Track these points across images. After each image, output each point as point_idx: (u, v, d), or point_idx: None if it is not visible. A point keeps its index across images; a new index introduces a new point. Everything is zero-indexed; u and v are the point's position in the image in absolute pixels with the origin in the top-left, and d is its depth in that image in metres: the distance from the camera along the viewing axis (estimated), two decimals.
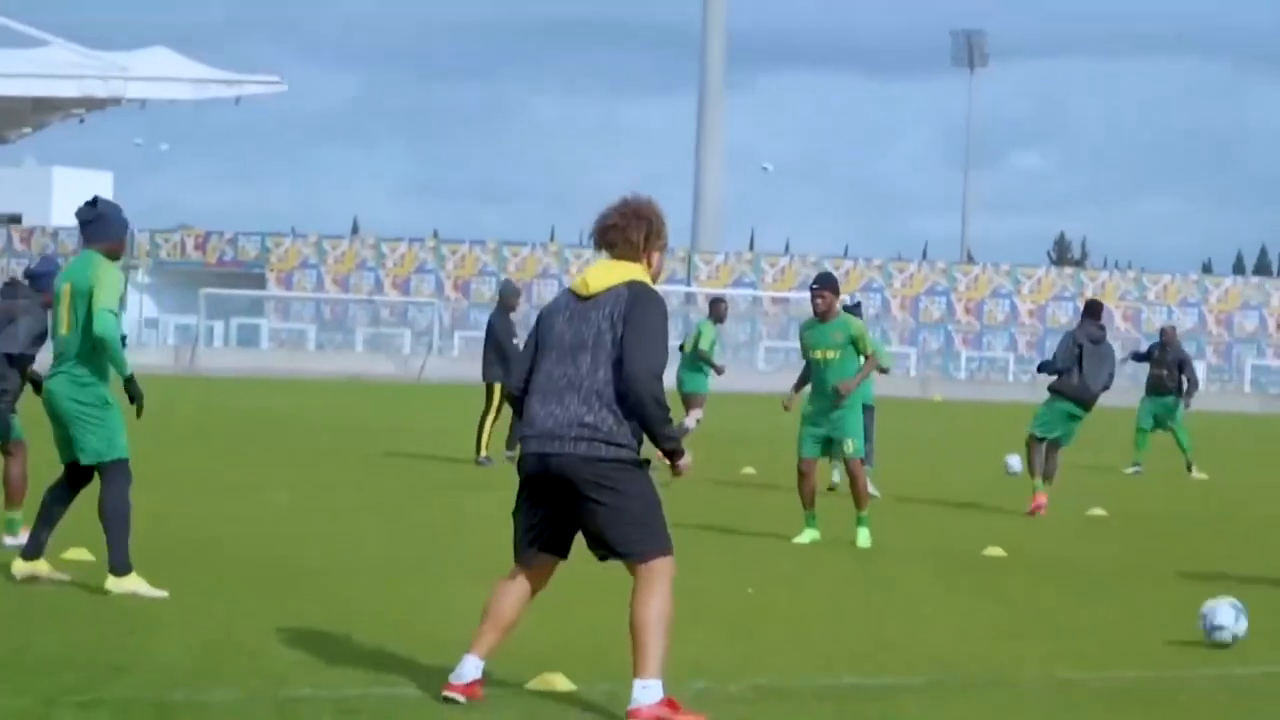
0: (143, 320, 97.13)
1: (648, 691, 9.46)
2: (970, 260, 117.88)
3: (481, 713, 9.49)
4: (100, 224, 13.55)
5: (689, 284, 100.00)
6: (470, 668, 9.73)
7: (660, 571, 9.49)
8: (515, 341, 27.57)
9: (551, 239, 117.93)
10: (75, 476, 13.31)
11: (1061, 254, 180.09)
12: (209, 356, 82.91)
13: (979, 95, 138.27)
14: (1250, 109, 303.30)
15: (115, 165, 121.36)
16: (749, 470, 28.00)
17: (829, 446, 18.50)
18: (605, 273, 9.75)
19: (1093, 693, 11.07)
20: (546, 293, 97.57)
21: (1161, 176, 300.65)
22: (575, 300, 9.79)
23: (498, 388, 27.13)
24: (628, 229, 9.85)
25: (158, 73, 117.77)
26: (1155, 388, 32.06)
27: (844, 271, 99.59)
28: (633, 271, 9.75)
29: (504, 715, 9.46)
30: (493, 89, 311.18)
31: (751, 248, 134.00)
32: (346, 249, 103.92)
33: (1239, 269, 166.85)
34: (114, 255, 13.62)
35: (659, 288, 9.83)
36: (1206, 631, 12.69)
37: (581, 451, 9.48)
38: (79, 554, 14.45)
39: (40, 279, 15.15)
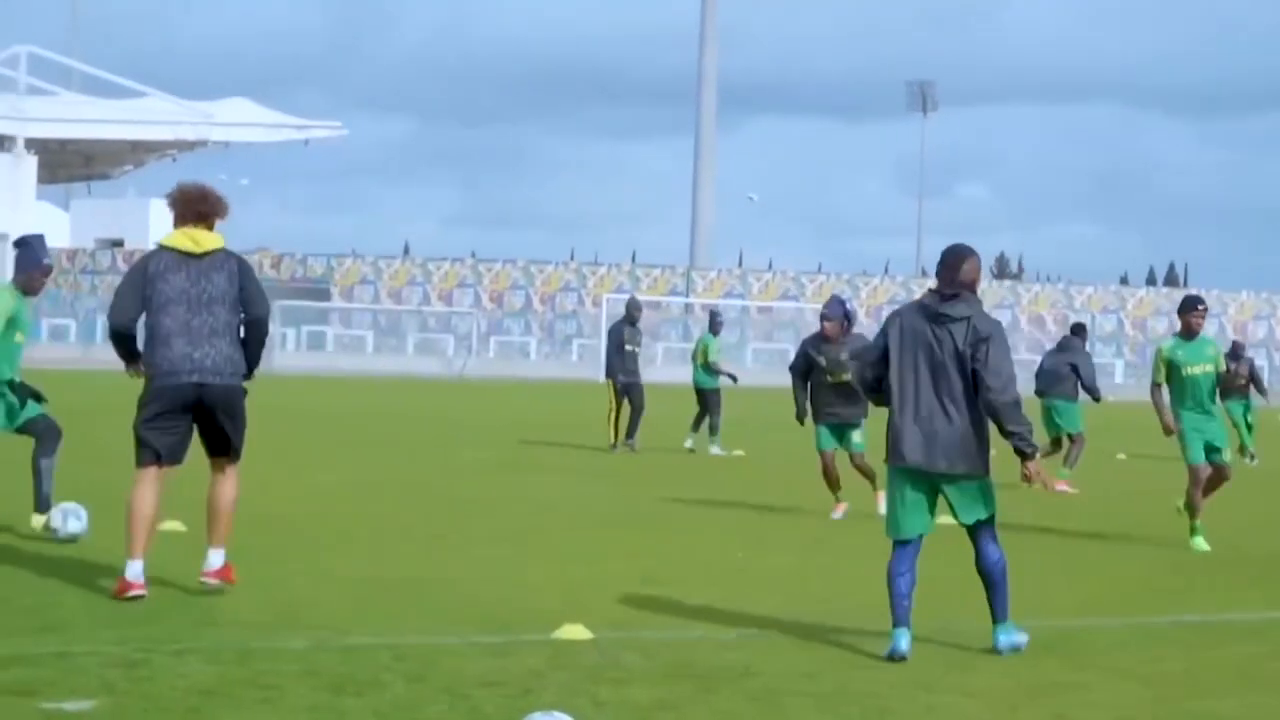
0: None
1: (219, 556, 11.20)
2: (924, 275, 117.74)
3: (511, 659, 9.45)
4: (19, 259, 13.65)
5: (688, 296, 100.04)
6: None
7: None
8: (630, 347, 28.58)
9: (571, 258, 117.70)
10: None
11: (1002, 269, 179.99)
12: (283, 358, 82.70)
13: (930, 136, 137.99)
14: (1159, 147, 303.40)
15: None
16: (739, 452, 28.06)
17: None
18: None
19: (1030, 639, 11.04)
20: (567, 303, 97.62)
21: (1085, 203, 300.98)
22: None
23: (617, 385, 28.01)
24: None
25: (239, 119, 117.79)
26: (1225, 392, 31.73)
27: (817, 285, 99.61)
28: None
29: (532, 661, 9.41)
30: (521, 132, 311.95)
31: (740, 265, 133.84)
32: (399, 267, 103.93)
33: (1151, 281, 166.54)
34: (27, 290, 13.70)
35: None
36: None
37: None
38: (173, 525, 14.41)
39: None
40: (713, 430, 28.52)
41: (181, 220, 11.19)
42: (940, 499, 10.24)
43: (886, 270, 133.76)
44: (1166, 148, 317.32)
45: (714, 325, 29.86)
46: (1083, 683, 9.59)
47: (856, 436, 18.07)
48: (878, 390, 10.19)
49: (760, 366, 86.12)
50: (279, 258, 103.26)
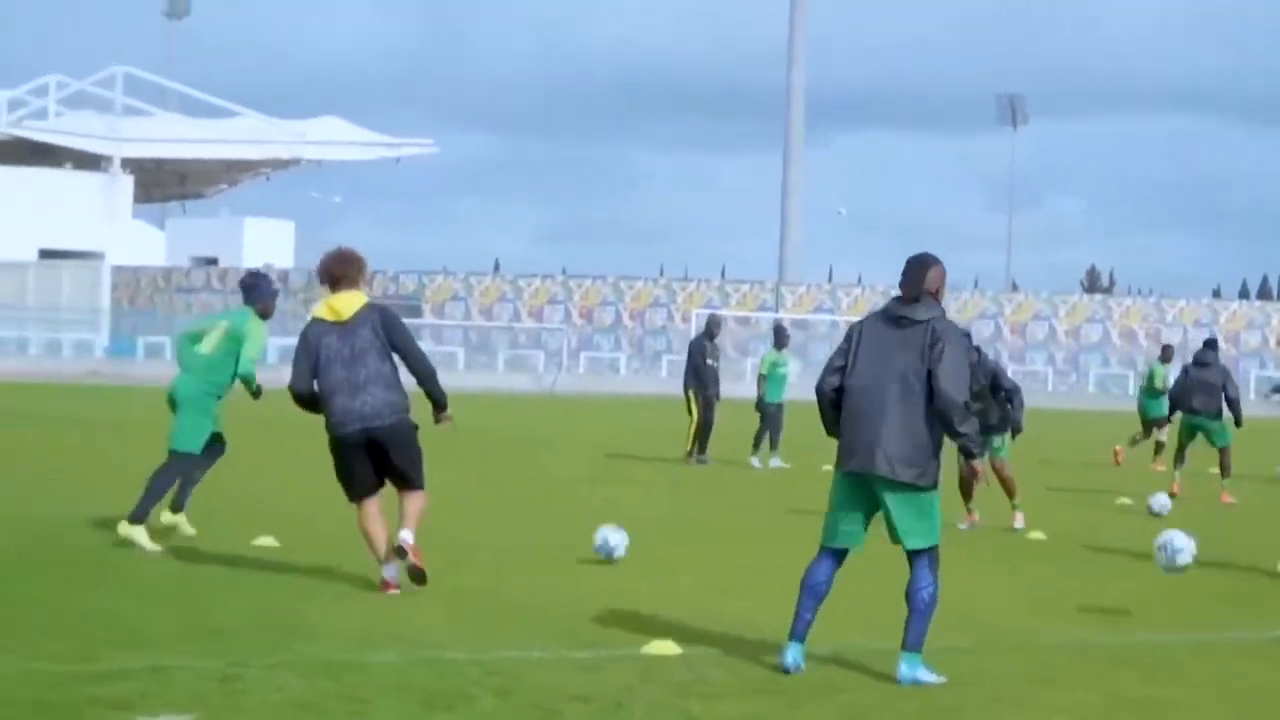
0: None
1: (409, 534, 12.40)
2: (1014, 289, 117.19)
3: (601, 674, 9.50)
4: (254, 292, 15.00)
5: (777, 311, 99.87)
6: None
7: None
8: (710, 362, 28.87)
9: (661, 274, 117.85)
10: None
11: (1092, 283, 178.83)
12: None
13: (1020, 148, 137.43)
14: (1251, 158, 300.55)
15: (296, 215, 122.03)
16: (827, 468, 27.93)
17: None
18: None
19: (1108, 653, 10.98)
20: (656, 318, 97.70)
21: (1177, 215, 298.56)
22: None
23: (695, 399, 28.37)
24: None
25: (331, 138, 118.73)
26: None
27: None
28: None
29: (621, 676, 9.46)
30: (609, 147, 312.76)
31: (830, 279, 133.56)
32: (489, 284, 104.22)
33: (1244, 294, 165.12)
34: (265, 315, 14.99)
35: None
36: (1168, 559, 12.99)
37: None
38: (266, 540, 14.56)
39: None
40: (773, 445, 28.46)
41: (324, 285, 12.69)
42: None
43: (976, 284, 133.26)
44: (1259, 159, 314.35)
45: (779, 339, 29.81)
46: (1168, 699, 9.56)
47: (997, 441, 18.53)
48: (837, 407, 10.02)
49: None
50: (371, 275, 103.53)
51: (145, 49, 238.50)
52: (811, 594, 9.98)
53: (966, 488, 17.81)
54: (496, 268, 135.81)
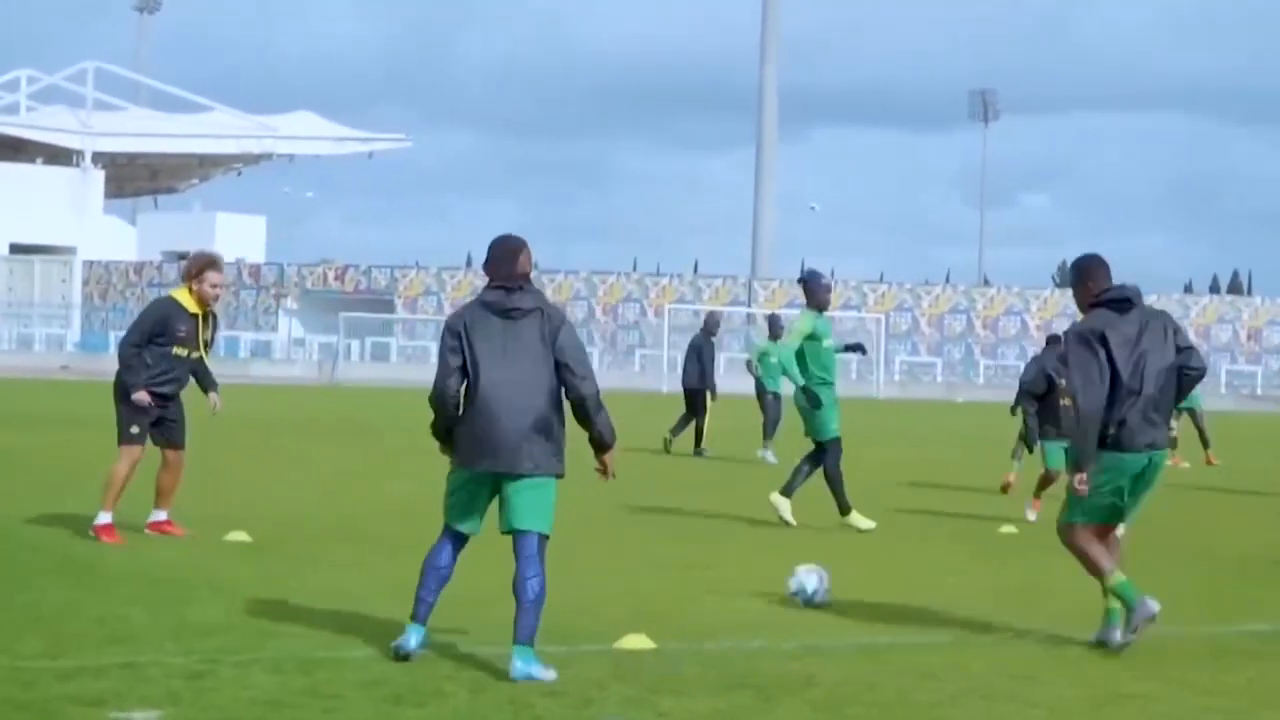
0: (291, 340, 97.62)
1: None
2: (987, 284, 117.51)
3: (574, 669, 9.45)
4: None
5: (749, 306, 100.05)
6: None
7: None
8: (707, 359, 30.09)
9: (634, 269, 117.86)
10: None
11: (1064, 278, 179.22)
12: (348, 369, 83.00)
13: (993, 145, 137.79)
14: (1225, 154, 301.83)
15: (268, 210, 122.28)
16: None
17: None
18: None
19: (1089, 648, 10.97)
20: (629, 313, 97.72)
21: (1150, 212, 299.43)
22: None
23: (701, 394, 29.48)
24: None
25: (303, 132, 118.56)
26: None
27: (879, 294, 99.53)
28: None
29: (594, 671, 9.42)
30: (584, 145, 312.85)
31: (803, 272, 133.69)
32: (462, 279, 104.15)
33: (1215, 289, 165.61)
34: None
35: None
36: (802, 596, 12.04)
37: None
38: (239, 536, 14.50)
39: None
40: (766, 436, 28.63)
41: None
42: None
43: (948, 279, 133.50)
44: (1231, 155, 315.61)
45: (774, 331, 30.12)
46: (1148, 694, 9.53)
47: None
48: (458, 407, 9.66)
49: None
50: (343, 269, 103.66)
51: (117, 43, 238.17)
52: (435, 577, 9.76)
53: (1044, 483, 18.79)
54: (469, 263, 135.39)
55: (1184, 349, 11.53)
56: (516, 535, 9.61)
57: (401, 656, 9.54)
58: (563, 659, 9.68)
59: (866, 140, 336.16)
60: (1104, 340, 11.05)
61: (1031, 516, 18.77)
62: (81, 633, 10.06)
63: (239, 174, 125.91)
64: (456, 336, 9.65)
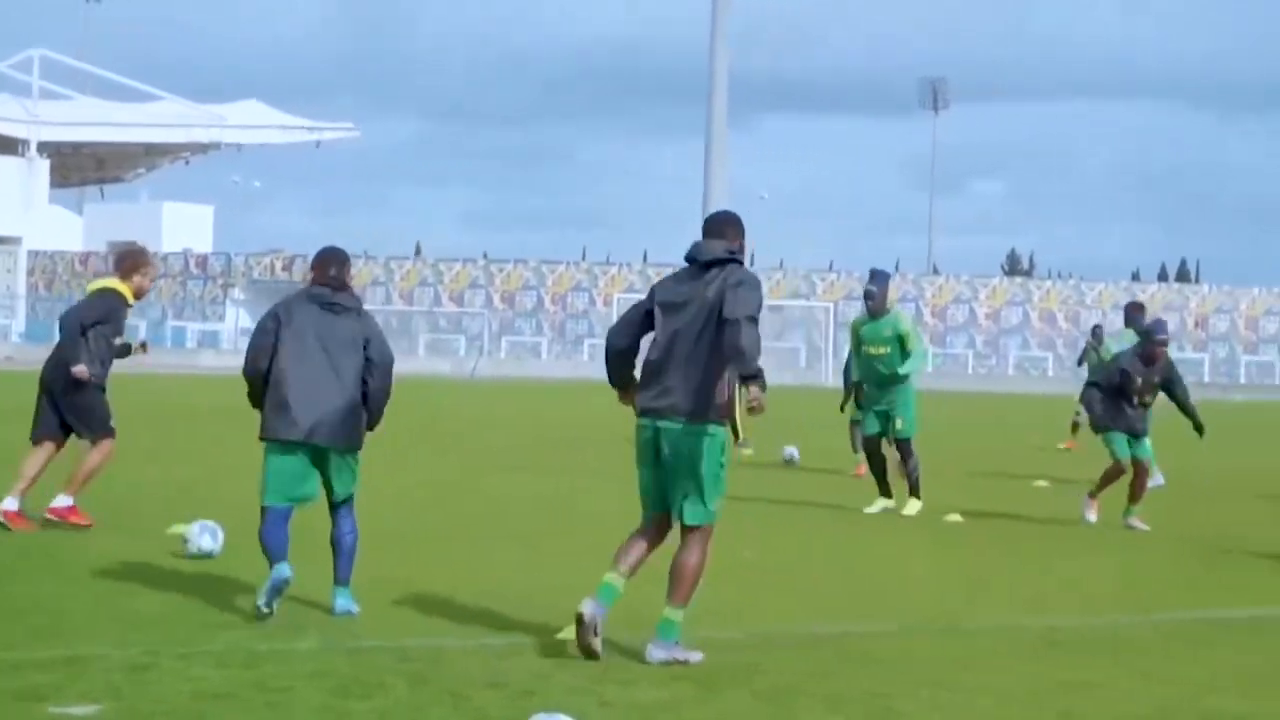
0: (239, 330, 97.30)
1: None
2: (936, 272, 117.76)
3: (517, 660, 9.44)
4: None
5: None
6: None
7: None
8: None
9: (583, 258, 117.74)
10: None
11: (1013, 266, 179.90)
12: None
13: (944, 133, 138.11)
14: (1175, 142, 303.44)
15: (215, 200, 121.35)
16: (748, 451, 28.03)
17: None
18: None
19: (1036, 636, 11.01)
20: (578, 303, 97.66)
21: (1097, 200, 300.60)
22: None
23: None
24: None
25: (251, 122, 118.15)
26: None
27: (828, 283, 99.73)
28: None
29: (537, 662, 9.40)
30: (535, 132, 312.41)
31: (752, 263, 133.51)
32: (410, 268, 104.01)
33: (1163, 277, 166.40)
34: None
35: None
36: None
37: None
38: (183, 528, 14.43)
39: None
40: None
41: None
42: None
43: (898, 267, 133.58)
44: (1180, 144, 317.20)
45: None
46: (1094, 681, 9.55)
47: (1149, 446, 18.25)
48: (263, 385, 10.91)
49: (770, 365, 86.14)
50: (291, 259, 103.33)
51: (63, 32, 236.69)
52: (280, 553, 10.68)
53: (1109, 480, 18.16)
54: (418, 252, 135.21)
55: None
56: (338, 499, 11.03)
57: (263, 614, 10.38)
58: (506, 650, 9.68)
59: (817, 128, 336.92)
60: None
61: (1091, 517, 18.11)
62: (23, 626, 9.98)
63: (186, 163, 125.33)
64: (276, 320, 10.88)
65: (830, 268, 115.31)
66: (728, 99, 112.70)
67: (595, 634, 9.43)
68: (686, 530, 9.72)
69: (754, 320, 9.50)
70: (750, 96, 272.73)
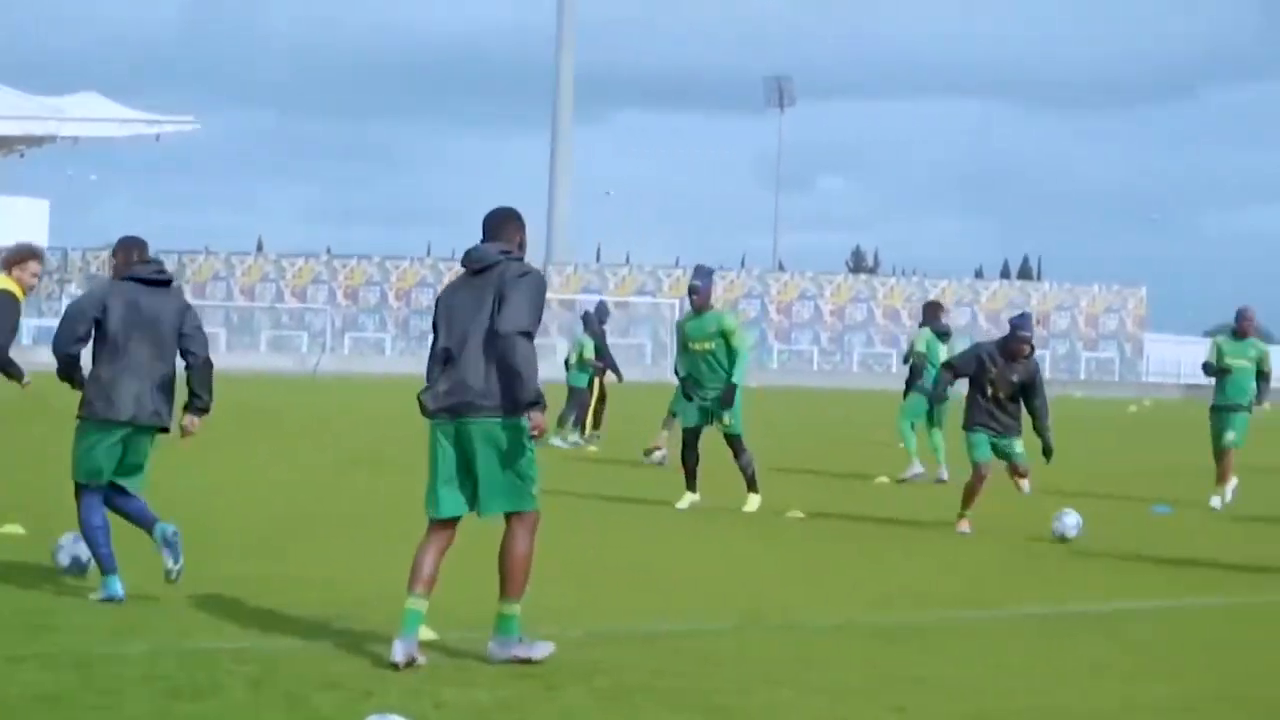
0: None
1: None
2: (781, 269, 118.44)
3: (355, 661, 9.39)
4: None
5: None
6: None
7: None
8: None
9: (428, 254, 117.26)
10: None
11: (858, 263, 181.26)
12: None
13: (790, 130, 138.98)
14: (1019, 140, 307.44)
15: (51, 194, 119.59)
16: (592, 447, 28.11)
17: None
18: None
19: (874, 632, 11.11)
20: (423, 299, 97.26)
21: (945, 197, 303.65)
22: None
23: (599, 381, 30.10)
24: None
25: (88, 114, 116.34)
26: None
27: (674, 279, 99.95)
28: None
29: (376, 663, 9.35)
30: (379, 128, 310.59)
31: (598, 259, 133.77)
32: (252, 264, 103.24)
33: (1005, 274, 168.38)
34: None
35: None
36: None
37: None
38: (12, 529, 14.22)
39: None
40: (561, 422, 29.16)
41: None
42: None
43: (743, 264, 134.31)
44: (1023, 142, 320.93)
45: (587, 325, 30.62)
46: (930, 676, 9.65)
47: (1018, 447, 17.47)
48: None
49: (618, 361, 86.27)
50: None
51: None
52: (103, 533, 11.15)
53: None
54: (260, 247, 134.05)
55: None
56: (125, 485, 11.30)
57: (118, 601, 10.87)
58: (344, 651, 9.62)
59: (665, 124, 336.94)
60: None
61: (965, 529, 17.32)
62: None
63: (21, 156, 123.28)
64: (100, 306, 11.34)
65: (677, 264, 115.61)
66: (574, 94, 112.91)
67: (417, 665, 9.31)
68: (511, 520, 9.65)
69: (529, 335, 9.50)
70: (598, 91, 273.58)
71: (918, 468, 23.36)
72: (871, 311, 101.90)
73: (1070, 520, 16.67)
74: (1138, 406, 63.88)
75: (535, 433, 9.52)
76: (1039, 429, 17.12)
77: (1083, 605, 12.73)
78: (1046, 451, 17.26)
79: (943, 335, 24.01)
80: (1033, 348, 17.23)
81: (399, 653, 9.25)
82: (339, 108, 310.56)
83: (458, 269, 9.90)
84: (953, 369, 17.66)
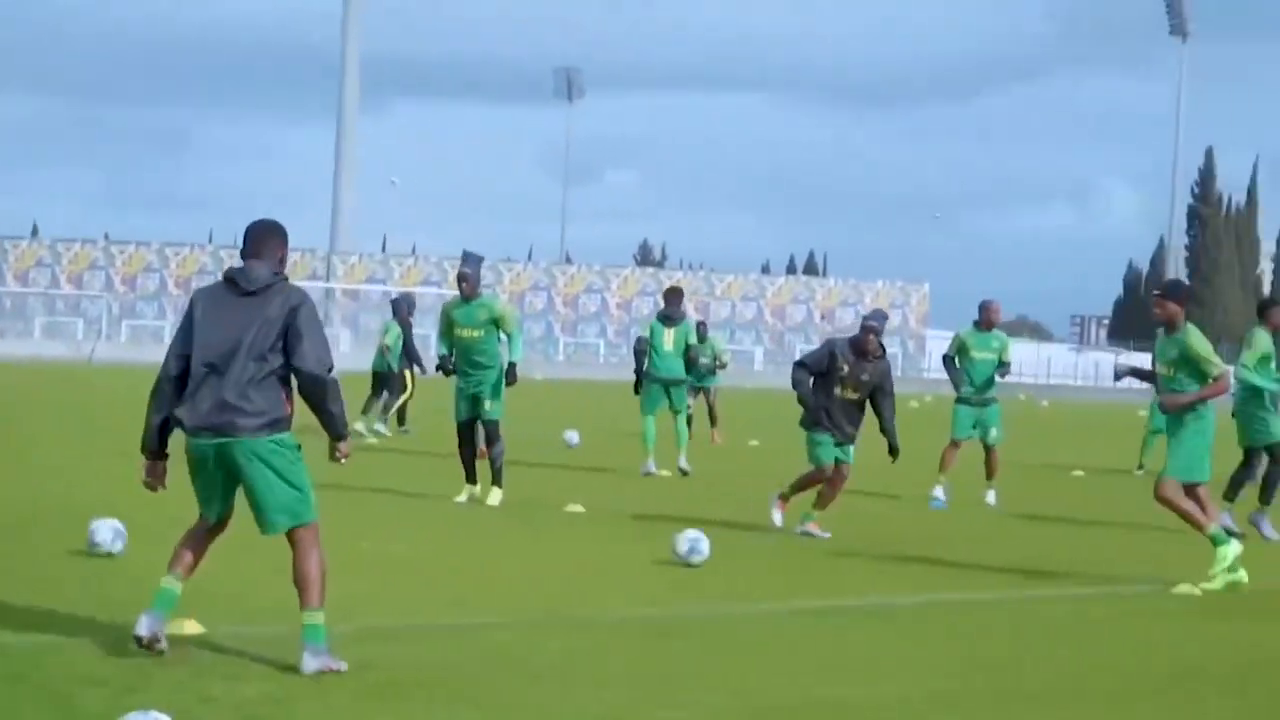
0: None
1: None
2: (569, 261, 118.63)
3: (120, 656, 9.22)
4: None
5: (328, 280, 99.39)
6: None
7: None
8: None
9: (209, 241, 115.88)
10: None
11: (645, 257, 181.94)
12: None
13: (580, 122, 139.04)
14: (808, 136, 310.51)
15: None
16: (372, 440, 27.94)
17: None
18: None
19: (648, 626, 11.13)
20: (203, 286, 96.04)
21: (729, 191, 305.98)
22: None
23: (408, 374, 30.06)
24: None
25: None
26: None
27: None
28: None
29: (140, 658, 9.18)
30: (157, 113, 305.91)
31: (383, 250, 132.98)
32: (26, 249, 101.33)
33: (791, 269, 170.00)
34: None
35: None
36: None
37: None
38: None
39: None
40: (366, 409, 29.81)
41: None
42: None
43: (530, 256, 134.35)
44: (811, 138, 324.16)
45: (396, 312, 30.59)
46: (698, 670, 9.66)
47: (851, 457, 17.13)
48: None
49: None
50: None
51: None
52: None
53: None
54: (35, 232, 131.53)
55: None
56: None
57: None
58: (109, 646, 9.44)
59: (453, 115, 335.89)
60: None
61: (778, 520, 17.10)
62: None
63: None
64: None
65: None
66: (361, 82, 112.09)
67: (159, 645, 9.17)
68: (296, 534, 9.45)
69: (331, 368, 9.42)
70: (387, 81, 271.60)
71: (653, 465, 23.22)
72: (658, 305, 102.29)
73: (689, 543, 14.27)
74: (919, 402, 64.68)
75: (343, 460, 9.60)
76: (885, 429, 16.96)
77: (858, 599, 12.86)
78: (893, 450, 17.12)
79: (666, 320, 23.38)
80: (884, 348, 16.96)
81: (143, 627, 9.15)
82: (116, 93, 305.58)
83: (238, 260, 9.70)
84: (806, 367, 16.88)
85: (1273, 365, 18.47)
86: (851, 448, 17.07)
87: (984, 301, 21.05)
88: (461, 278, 18.54)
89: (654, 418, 23.38)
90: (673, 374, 23.23)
